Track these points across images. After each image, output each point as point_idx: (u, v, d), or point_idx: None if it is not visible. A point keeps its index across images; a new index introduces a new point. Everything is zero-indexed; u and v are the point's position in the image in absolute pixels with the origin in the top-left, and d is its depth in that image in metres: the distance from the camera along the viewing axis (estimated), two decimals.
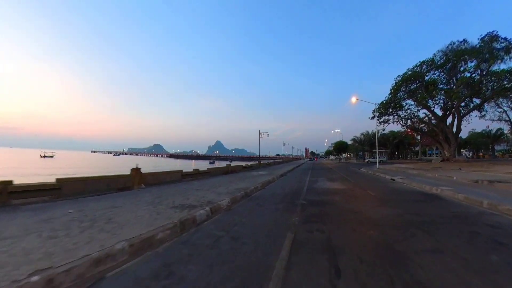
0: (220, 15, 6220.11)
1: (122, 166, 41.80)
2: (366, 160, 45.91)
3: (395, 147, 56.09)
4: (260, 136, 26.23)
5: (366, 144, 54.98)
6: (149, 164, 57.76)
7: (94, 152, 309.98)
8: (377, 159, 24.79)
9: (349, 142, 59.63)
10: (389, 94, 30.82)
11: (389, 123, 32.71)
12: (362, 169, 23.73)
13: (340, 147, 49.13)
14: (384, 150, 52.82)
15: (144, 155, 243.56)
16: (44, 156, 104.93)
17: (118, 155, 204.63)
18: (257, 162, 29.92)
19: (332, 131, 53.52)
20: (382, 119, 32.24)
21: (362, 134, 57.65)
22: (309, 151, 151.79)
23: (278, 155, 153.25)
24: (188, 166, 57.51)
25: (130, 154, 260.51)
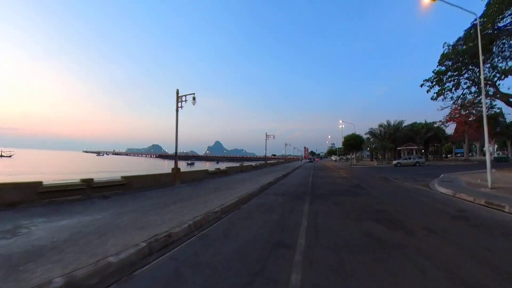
0: (219, 14, 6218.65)
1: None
2: (395, 162, 30.31)
3: (424, 143, 40.39)
4: (180, 104, 10.58)
5: (387, 139, 39.47)
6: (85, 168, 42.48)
7: (86, 152, 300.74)
8: (488, 163, 8.82)
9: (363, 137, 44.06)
10: (467, 30, 15.14)
11: (464, 93, 17.10)
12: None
13: (352, 144, 33.85)
14: (416, 147, 37.19)
15: (134, 155, 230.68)
16: (1, 156, 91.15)
17: (102, 155, 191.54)
18: (240, 163, 15.27)
19: (341, 121, 37.67)
20: (446, 84, 16.63)
21: (380, 125, 42.15)
22: (308, 151, 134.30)
23: (274, 155, 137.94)
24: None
25: (119, 154, 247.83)
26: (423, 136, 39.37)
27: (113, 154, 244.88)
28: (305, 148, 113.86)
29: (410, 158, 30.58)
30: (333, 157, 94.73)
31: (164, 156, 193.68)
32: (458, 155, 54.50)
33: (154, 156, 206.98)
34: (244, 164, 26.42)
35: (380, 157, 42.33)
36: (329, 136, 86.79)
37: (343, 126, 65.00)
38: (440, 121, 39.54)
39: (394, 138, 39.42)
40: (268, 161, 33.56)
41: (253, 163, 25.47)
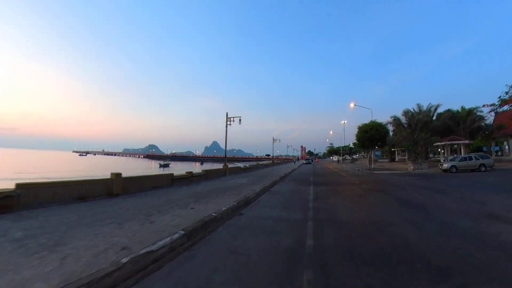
0: (218, 12, 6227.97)
1: None
2: (447, 166, 18.20)
3: (468, 136, 28.18)
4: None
5: (420, 130, 26.83)
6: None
7: (76, 152, 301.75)
8: None
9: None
10: None
11: None
12: None
13: (373, 136, 21.18)
14: (467, 141, 25.07)
15: (122, 156, 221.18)
16: None
17: (85, 155, 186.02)
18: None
19: (352, 105, 26.01)
20: None
21: (406, 112, 29.62)
22: (306, 151, 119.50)
23: (268, 155, 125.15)
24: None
25: (109, 154, 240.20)
26: (467, 127, 27.35)
27: (103, 154, 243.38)
28: (302, 147, 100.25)
29: (470, 159, 18.42)
30: (335, 157, 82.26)
31: (152, 157, 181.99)
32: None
33: (142, 156, 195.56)
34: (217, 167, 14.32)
35: (415, 157, 28.99)
36: (331, 132, 73.91)
37: (345, 122, 52.85)
38: (492, 104, 27.42)
39: (426, 129, 27.33)
40: (239, 164, 21.33)
41: (197, 171, 13.18)
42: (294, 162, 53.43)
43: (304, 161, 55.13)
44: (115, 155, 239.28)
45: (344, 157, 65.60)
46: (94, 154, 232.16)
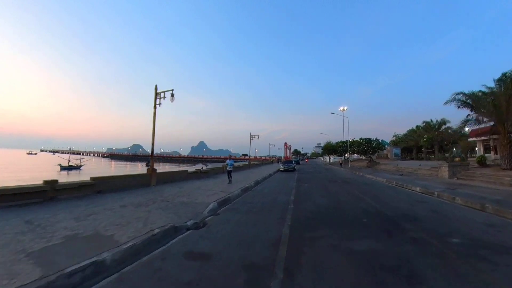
0: (210, 9, 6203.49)
1: None
2: None
3: None
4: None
5: None
6: None
7: (42, 150, 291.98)
8: None
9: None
10: None
11: None
12: None
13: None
14: None
15: (87, 155, 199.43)
16: None
17: (35, 153, 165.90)
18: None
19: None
20: None
21: None
22: (291, 150, 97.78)
23: (245, 155, 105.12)
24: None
25: (74, 153, 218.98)
26: None
27: (68, 153, 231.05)
28: (286, 144, 79.78)
29: None
30: (331, 158, 62.86)
31: (116, 156, 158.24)
32: None
33: (104, 155, 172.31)
34: None
35: None
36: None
37: (345, 109, 32.66)
38: None
39: None
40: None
41: None
42: (229, 177, 12.70)
43: (281, 166, 27.45)
44: (80, 154, 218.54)
45: (345, 157, 46.12)
46: (53, 153, 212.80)
